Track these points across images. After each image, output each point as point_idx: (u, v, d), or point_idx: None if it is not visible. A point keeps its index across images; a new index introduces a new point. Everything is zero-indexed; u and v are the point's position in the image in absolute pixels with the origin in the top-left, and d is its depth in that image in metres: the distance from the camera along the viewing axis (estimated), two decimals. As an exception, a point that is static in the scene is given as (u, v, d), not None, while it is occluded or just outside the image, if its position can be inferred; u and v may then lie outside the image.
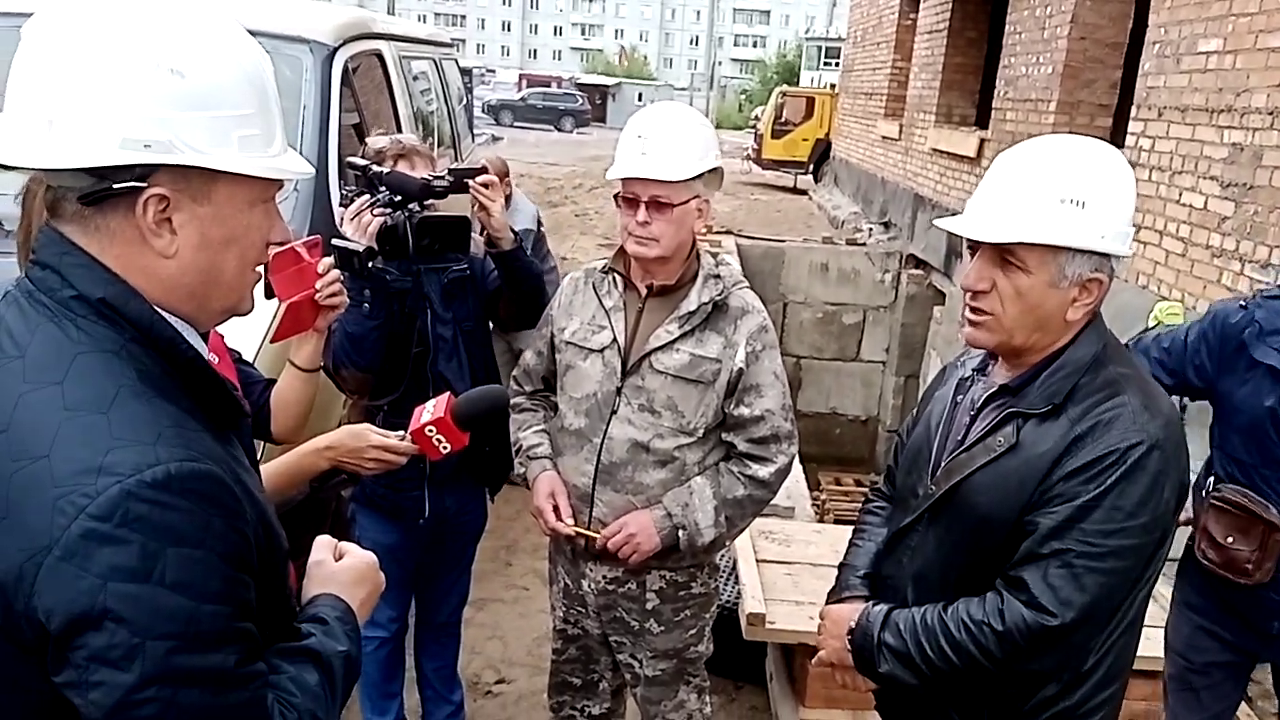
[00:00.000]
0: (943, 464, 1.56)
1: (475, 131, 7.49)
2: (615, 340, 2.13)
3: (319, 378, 1.96)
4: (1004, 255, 1.42)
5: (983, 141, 7.76)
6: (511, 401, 2.40)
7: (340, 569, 1.25)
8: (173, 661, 0.91)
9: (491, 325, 2.68)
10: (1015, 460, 1.43)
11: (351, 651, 1.15)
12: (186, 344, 1.03)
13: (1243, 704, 2.76)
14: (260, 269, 1.12)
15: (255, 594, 1.01)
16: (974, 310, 1.48)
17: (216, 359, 1.10)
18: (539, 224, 4.95)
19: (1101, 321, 1.50)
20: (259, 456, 1.40)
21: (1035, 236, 1.39)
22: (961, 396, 1.61)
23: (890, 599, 1.61)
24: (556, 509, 2.18)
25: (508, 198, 4.52)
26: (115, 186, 0.96)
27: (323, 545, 1.28)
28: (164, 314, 1.02)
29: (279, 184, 1.08)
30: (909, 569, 1.60)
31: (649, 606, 2.24)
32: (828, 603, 1.74)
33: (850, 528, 4.16)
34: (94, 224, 0.99)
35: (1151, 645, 2.62)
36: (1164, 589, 2.58)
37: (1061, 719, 1.48)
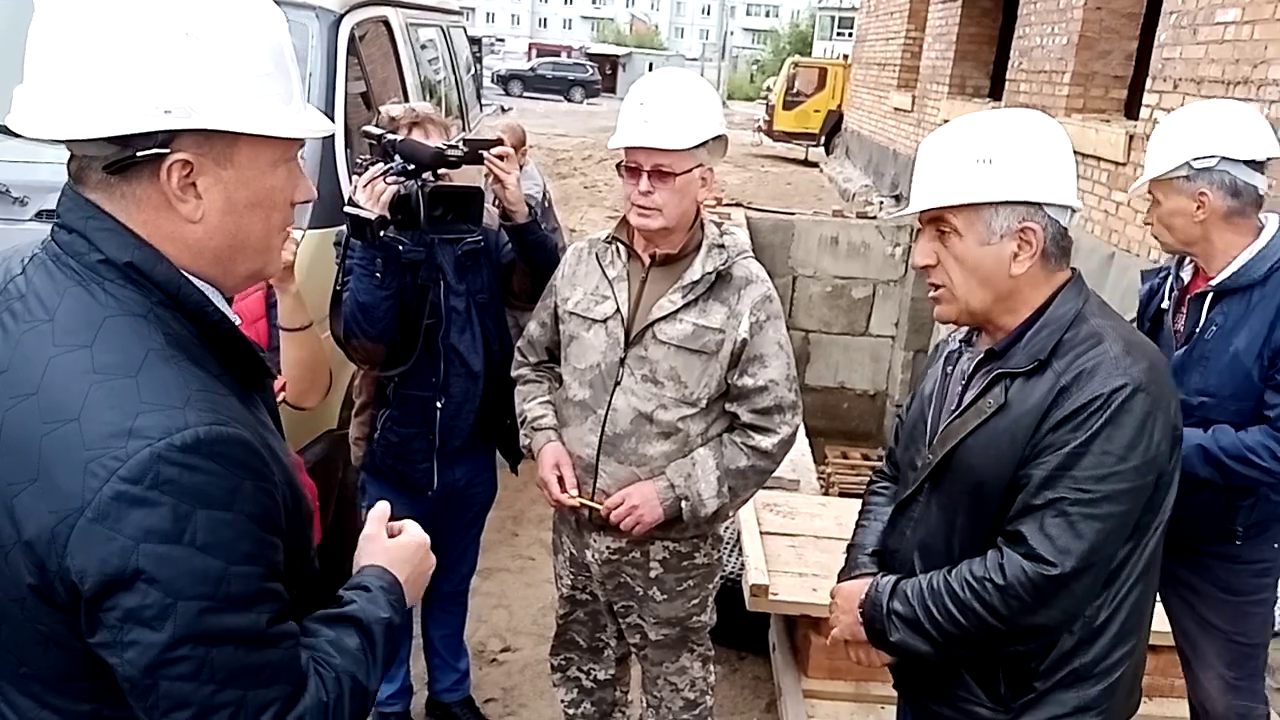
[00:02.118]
0: (938, 433, 1.59)
1: (484, 101, 7.44)
2: (618, 310, 2.13)
3: (311, 337, 1.93)
4: (939, 226, 1.50)
5: (996, 114, 7.69)
6: (516, 373, 2.41)
7: (392, 545, 1.26)
8: (205, 621, 0.93)
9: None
10: (1006, 419, 1.46)
11: (394, 620, 1.16)
12: (213, 307, 1.04)
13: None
14: (289, 231, 1.12)
15: (285, 555, 1.02)
16: (931, 287, 1.55)
17: (239, 319, 1.11)
18: (545, 195, 4.92)
19: (1080, 280, 1.53)
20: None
21: (948, 198, 1.46)
22: (951, 368, 1.65)
23: (899, 572, 1.62)
24: (561, 480, 2.20)
25: (521, 167, 4.47)
26: (139, 154, 0.96)
27: (376, 519, 1.28)
28: (191, 278, 1.03)
29: (300, 143, 1.09)
30: (913, 540, 1.61)
31: (652, 575, 2.25)
32: (838, 582, 1.75)
33: (856, 500, 4.18)
34: (119, 191, 0.99)
35: (1159, 620, 2.62)
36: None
37: (1079, 676, 1.48)
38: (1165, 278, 2.40)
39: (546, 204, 4.94)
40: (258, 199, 1.05)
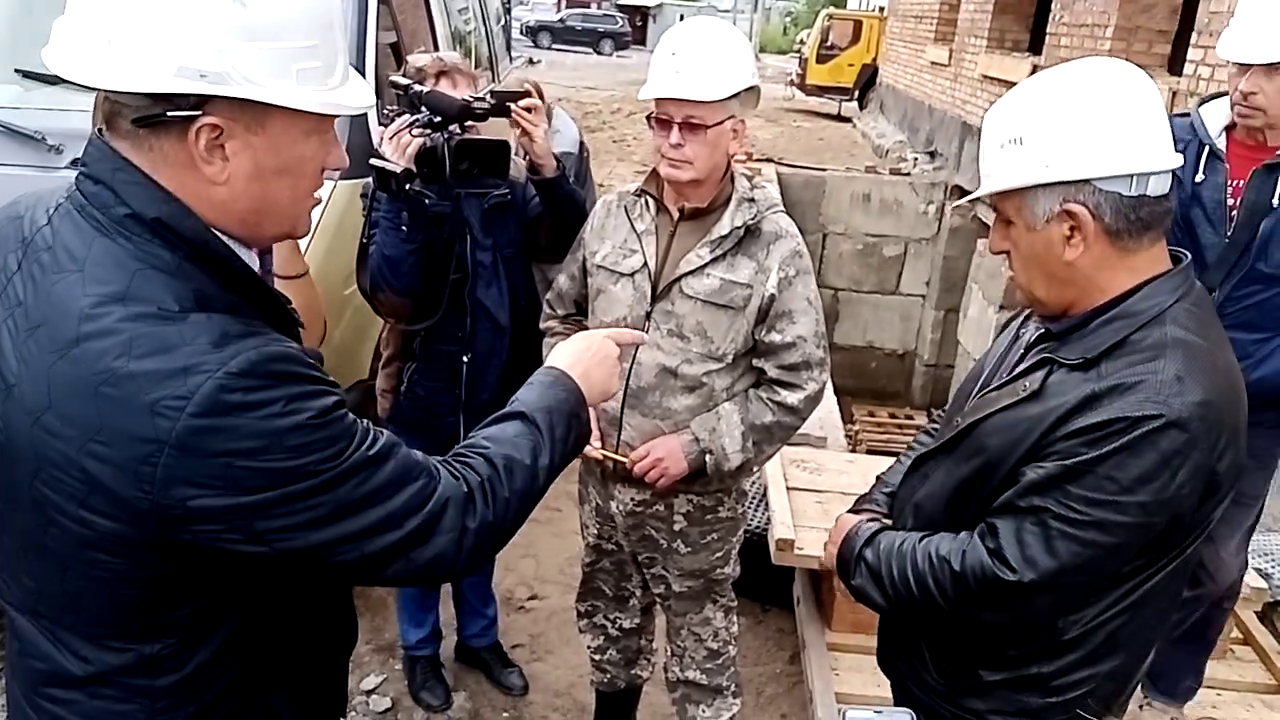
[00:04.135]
0: (976, 399, 1.50)
1: (513, 54, 7.38)
2: (646, 264, 2.12)
3: (307, 285, 1.90)
4: (1000, 213, 1.40)
5: (1035, 68, 7.50)
6: (544, 325, 2.42)
7: (566, 346, 1.37)
8: (316, 488, 0.99)
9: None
10: (1033, 408, 1.34)
11: (554, 406, 1.24)
12: (240, 260, 1.05)
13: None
14: (318, 194, 1.13)
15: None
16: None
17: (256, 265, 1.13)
18: (582, 149, 4.81)
19: (1185, 273, 1.34)
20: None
21: (989, 188, 1.36)
22: (1024, 331, 1.53)
23: (896, 521, 1.62)
24: (586, 432, 2.21)
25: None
26: (169, 114, 0.96)
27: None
28: (217, 233, 1.03)
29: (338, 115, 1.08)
30: (916, 495, 1.57)
31: (676, 528, 2.28)
32: (849, 510, 1.75)
33: (884, 458, 4.18)
34: (147, 144, 0.99)
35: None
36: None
37: (1031, 683, 1.42)
38: (1198, 155, 2.40)
39: (585, 163, 4.78)
40: (286, 166, 1.04)
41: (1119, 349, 1.29)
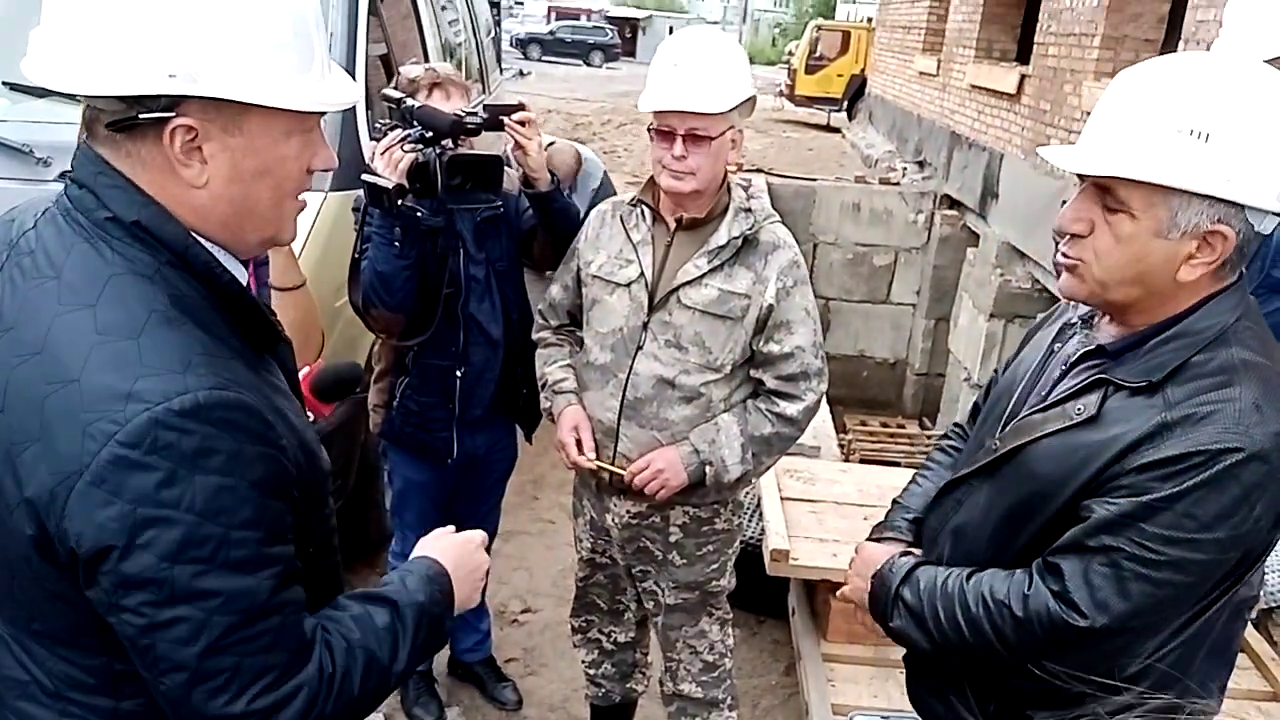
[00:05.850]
0: (1015, 420, 1.40)
1: (503, 66, 7.39)
2: (643, 274, 2.11)
3: (304, 297, 1.90)
4: (1108, 195, 1.20)
5: (1023, 77, 7.54)
6: (536, 336, 2.40)
7: (446, 541, 1.28)
8: (201, 584, 0.92)
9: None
10: (1090, 435, 1.24)
11: (427, 605, 1.15)
12: (222, 268, 1.03)
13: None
14: (303, 198, 1.10)
15: (295, 518, 1.02)
16: (1065, 255, 1.28)
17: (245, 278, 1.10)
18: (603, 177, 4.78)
19: (1241, 288, 1.25)
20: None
21: (1138, 171, 1.15)
22: (1059, 346, 1.42)
23: (928, 547, 1.52)
24: (579, 443, 2.20)
25: (578, 172, 4.30)
26: (140, 116, 0.94)
27: (442, 529, 1.32)
28: (200, 239, 1.01)
29: (319, 113, 1.05)
30: (951, 522, 1.46)
31: (672, 539, 2.26)
32: (869, 537, 1.65)
33: (877, 468, 4.18)
34: (125, 149, 0.98)
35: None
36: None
37: None
38: None
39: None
40: (266, 168, 1.02)
41: (1182, 372, 1.20)
